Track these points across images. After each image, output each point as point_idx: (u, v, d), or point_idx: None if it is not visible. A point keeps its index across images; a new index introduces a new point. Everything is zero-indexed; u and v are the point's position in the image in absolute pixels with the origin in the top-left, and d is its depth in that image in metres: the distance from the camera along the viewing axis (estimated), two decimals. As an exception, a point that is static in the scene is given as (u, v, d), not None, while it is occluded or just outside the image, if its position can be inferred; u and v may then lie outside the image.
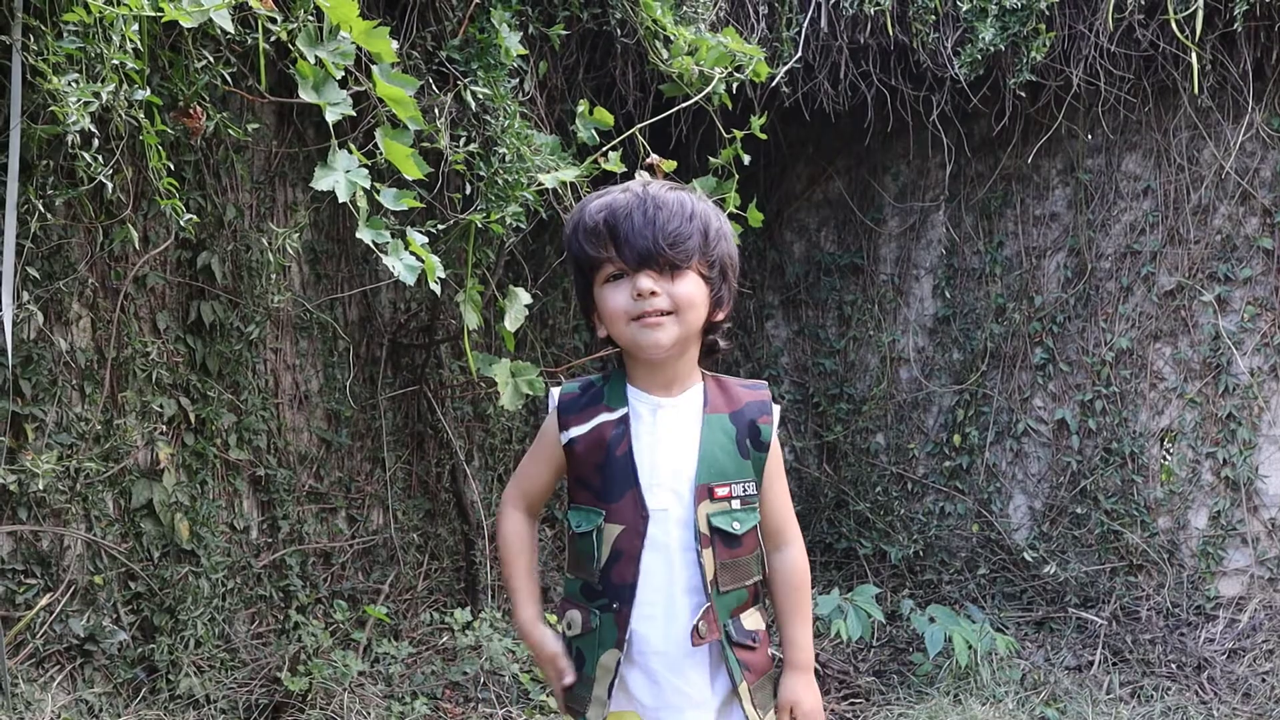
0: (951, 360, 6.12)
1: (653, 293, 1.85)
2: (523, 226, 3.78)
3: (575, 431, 1.95)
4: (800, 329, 6.65)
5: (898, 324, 6.33)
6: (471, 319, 3.78)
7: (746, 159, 4.00)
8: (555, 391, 2.02)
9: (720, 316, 1.99)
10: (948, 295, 6.13)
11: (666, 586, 1.90)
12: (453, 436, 4.78)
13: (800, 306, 6.65)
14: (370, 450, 4.64)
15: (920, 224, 6.25)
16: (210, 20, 2.66)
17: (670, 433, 1.94)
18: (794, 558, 2.06)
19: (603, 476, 1.92)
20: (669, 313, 1.87)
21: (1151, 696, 4.61)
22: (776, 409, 2.04)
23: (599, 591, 1.92)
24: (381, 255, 3.01)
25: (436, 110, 3.65)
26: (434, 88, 3.73)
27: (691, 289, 1.88)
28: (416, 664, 4.29)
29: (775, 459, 2.03)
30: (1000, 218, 5.97)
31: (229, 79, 3.16)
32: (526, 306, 3.85)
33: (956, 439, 6.02)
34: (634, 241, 1.84)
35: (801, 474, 6.57)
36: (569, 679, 1.96)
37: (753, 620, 1.98)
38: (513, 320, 3.81)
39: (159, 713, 3.54)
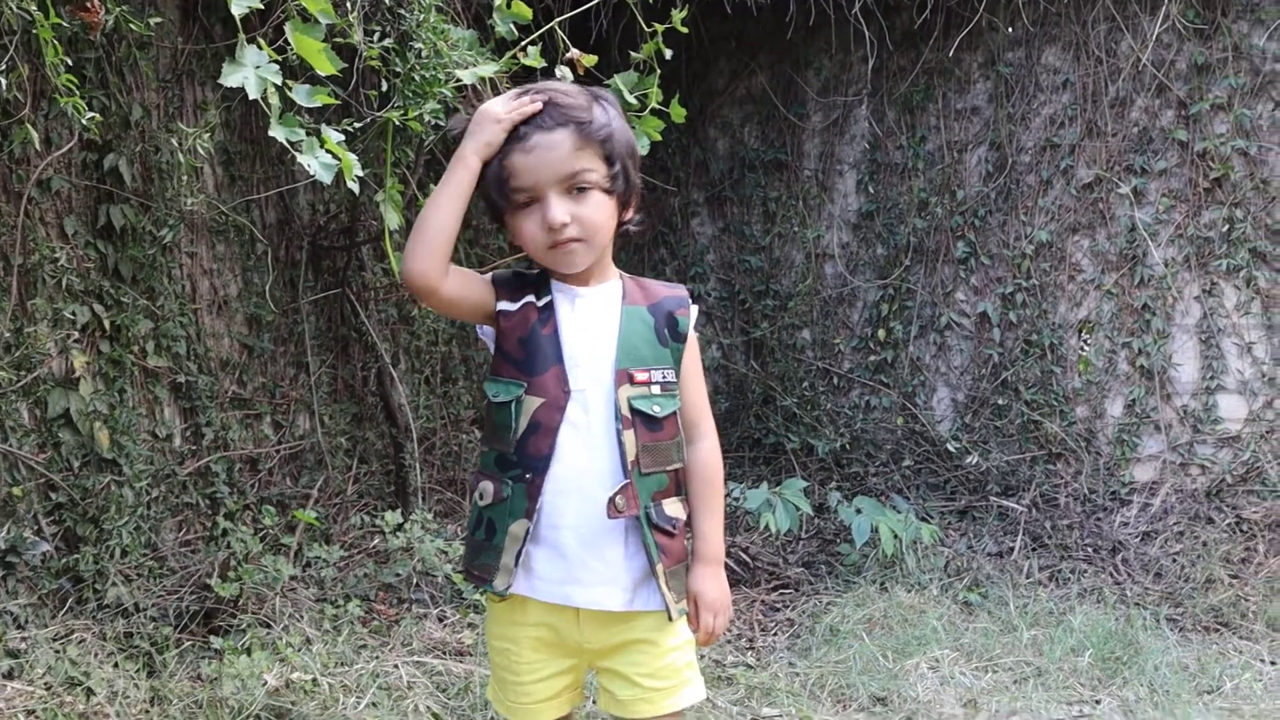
0: (875, 255, 6.11)
1: (564, 224, 1.87)
2: (442, 124, 3.66)
3: (505, 305, 1.95)
4: (725, 226, 6.60)
5: (822, 220, 6.30)
6: (392, 219, 3.67)
7: (668, 54, 3.89)
8: (494, 275, 2.02)
9: (629, 215, 2.02)
10: (871, 190, 6.09)
11: (585, 464, 1.90)
12: (378, 340, 4.69)
13: (725, 204, 6.59)
14: (294, 355, 4.54)
15: (843, 119, 6.18)
16: (104, -95, 2.50)
17: (590, 319, 1.96)
18: (707, 451, 2.07)
19: (526, 351, 1.93)
20: (580, 239, 1.90)
21: (1069, 579, 4.70)
22: (695, 308, 2.07)
23: (513, 462, 1.91)
24: (296, 154, 2.89)
25: (348, 4, 3.50)
26: (346, -20, 3.57)
27: (596, 212, 1.91)
28: (348, 567, 4.24)
29: (692, 352, 2.05)
30: (922, 112, 5.92)
31: (128, -30, 3.00)
32: (448, 206, 3.75)
33: (881, 333, 6.03)
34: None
35: (729, 370, 6.56)
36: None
37: (674, 508, 1.98)
38: (435, 220, 3.70)
39: (87, 621, 3.47)
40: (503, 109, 1.89)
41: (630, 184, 1.97)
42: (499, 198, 1.93)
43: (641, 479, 1.92)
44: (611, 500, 1.89)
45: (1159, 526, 5.05)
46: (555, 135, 1.87)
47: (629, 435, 1.90)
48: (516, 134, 1.89)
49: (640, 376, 1.94)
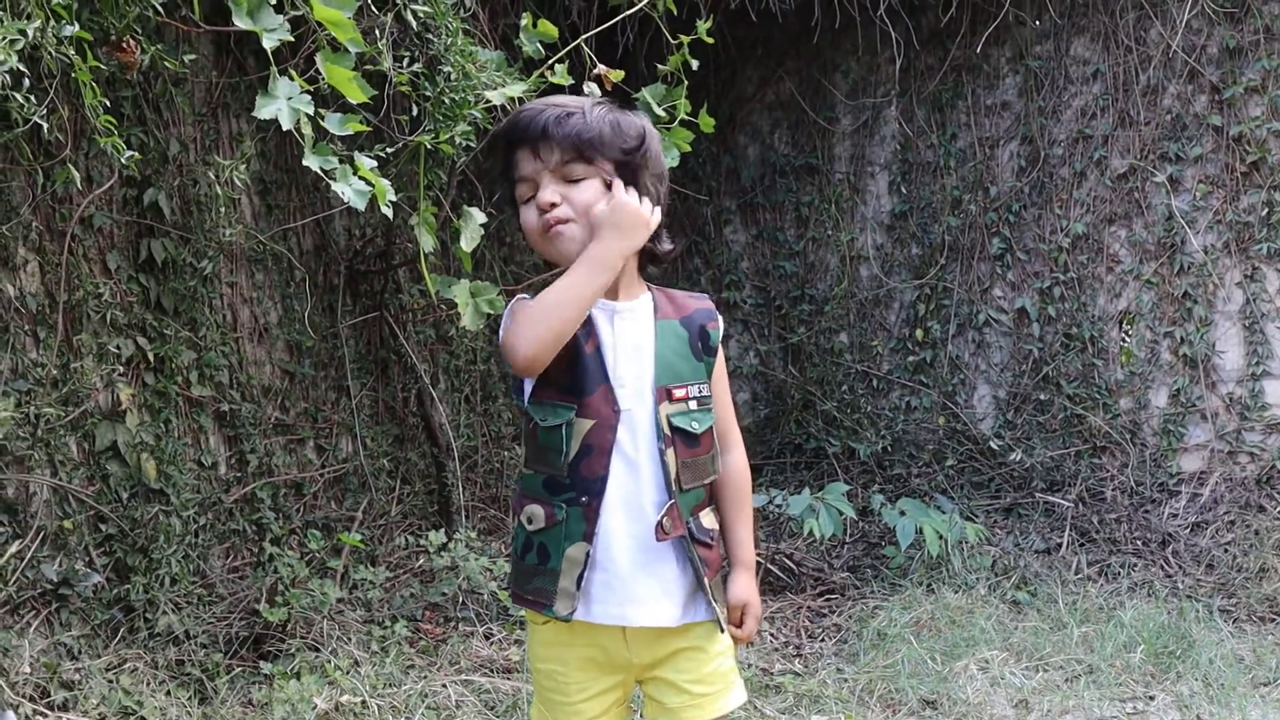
0: (910, 255, 6.12)
1: (552, 204, 1.89)
2: (473, 145, 3.72)
3: None
4: (759, 233, 6.63)
5: (855, 222, 6.32)
6: (427, 242, 3.73)
7: (695, 64, 3.94)
8: (517, 300, 1.98)
9: (665, 245, 2.03)
10: (904, 191, 6.11)
11: (633, 484, 1.92)
12: (416, 360, 4.76)
13: (757, 210, 6.61)
14: (335, 379, 4.61)
15: (873, 120, 6.20)
16: (135, -51, 2.57)
17: (628, 337, 1.97)
18: (738, 461, 2.11)
19: (572, 373, 1.92)
20: (570, 220, 1.90)
21: (1118, 574, 4.70)
22: (721, 319, 2.09)
23: (566, 485, 1.92)
24: (330, 182, 2.95)
25: (377, 31, 3.56)
26: (373, 8, 3.63)
27: (591, 196, 1.91)
28: (394, 588, 4.30)
29: (721, 365, 2.09)
30: (952, 110, 5.94)
31: (161, 10, 3.06)
32: (482, 226, 3.80)
33: (919, 333, 6.04)
34: (532, 125, 1.89)
35: (767, 377, 6.58)
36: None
37: (709, 520, 2.02)
38: (469, 240, 3.76)
39: (139, 651, 3.54)
40: (648, 213, 1.91)
41: (648, 192, 1.96)
42: (506, 191, 1.97)
43: (682, 495, 1.94)
44: (659, 523, 1.91)
45: (1209, 516, 5.04)
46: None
47: (670, 454, 1.92)
48: (514, 124, 1.92)
49: (678, 393, 1.95)
